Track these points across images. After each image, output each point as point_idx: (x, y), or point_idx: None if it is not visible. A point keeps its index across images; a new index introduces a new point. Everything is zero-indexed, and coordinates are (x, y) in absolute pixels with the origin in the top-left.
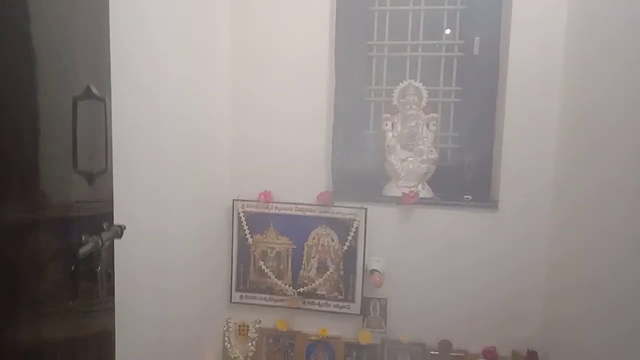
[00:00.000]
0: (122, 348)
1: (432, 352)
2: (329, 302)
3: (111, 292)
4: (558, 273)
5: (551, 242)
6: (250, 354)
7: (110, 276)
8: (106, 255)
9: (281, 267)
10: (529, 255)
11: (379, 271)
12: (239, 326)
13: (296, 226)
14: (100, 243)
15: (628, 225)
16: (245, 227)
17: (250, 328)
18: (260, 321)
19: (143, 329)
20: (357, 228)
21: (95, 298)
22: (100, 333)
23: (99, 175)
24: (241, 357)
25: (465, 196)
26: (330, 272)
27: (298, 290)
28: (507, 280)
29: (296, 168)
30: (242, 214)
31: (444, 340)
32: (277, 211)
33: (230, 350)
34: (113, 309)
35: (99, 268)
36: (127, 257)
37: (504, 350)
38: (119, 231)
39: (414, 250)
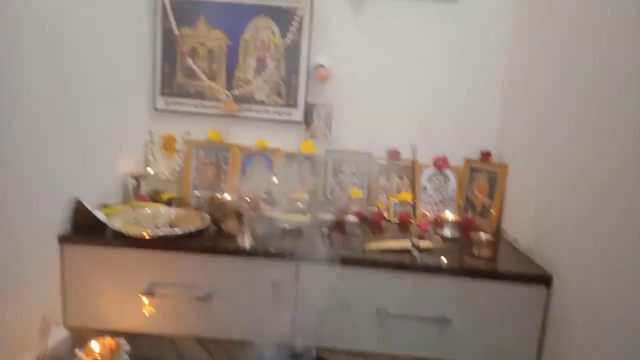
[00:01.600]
0: None
1: (379, 161)
2: (267, 109)
3: None
4: (517, 78)
5: (513, 45)
6: (177, 169)
7: None
8: None
9: (213, 66)
10: (488, 56)
11: (324, 66)
12: (164, 139)
13: (231, 17)
14: None
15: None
16: (172, 17)
17: (177, 139)
18: (189, 132)
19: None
20: (301, 19)
21: None
22: None
23: None
24: (166, 173)
25: None
26: (270, 72)
27: (233, 92)
28: (464, 86)
29: None
30: (167, 1)
31: (392, 150)
32: None
33: (153, 164)
34: None
35: None
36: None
37: (456, 160)
38: None
39: (365, 50)
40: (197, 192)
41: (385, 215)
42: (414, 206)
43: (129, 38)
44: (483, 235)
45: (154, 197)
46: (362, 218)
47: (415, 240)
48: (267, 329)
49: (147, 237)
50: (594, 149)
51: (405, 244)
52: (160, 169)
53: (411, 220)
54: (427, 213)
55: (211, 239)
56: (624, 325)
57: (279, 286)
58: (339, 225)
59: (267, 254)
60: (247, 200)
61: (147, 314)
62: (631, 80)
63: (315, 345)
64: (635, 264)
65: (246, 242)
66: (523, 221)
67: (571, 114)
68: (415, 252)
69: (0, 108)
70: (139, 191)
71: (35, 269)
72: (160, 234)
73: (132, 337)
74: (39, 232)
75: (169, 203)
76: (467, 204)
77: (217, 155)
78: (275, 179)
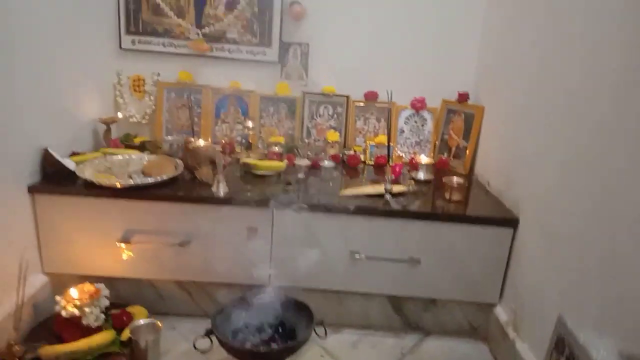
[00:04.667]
0: None
1: (357, 104)
2: (240, 48)
3: None
4: (496, 17)
5: None
6: (149, 112)
7: None
8: None
9: (181, 2)
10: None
11: (299, 2)
12: (133, 80)
13: None
14: None
15: None
16: None
17: (147, 81)
18: (159, 73)
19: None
20: None
21: None
22: None
23: None
24: (137, 116)
25: None
26: (242, 8)
27: (203, 30)
28: (443, 26)
29: None
30: None
31: (370, 92)
32: None
33: (124, 107)
34: None
35: None
36: None
37: (434, 102)
38: None
39: None
40: (169, 137)
41: (362, 158)
42: (389, 148)
43: None
44: (455, 179)
45: (126, 142)
46: (339, 161)
47: (388, 185)
48: (244, 273)
49: (119, 187)
50: (564, 93)
51: (378, 189)
52: (131, 111)
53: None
54: (402, 155)
55: (185, 187)
56: (576, 256)
57: (255, 231)
58: (315, 170)
59: (242, 202)
60: (222, 144)
61: (125, 259)
62: (602, 18)
63: (292, 285)
64: (589, 201)
65: (221, 190)
66: (495, 163)
67: (546, 57)
68: (388, 197)
69: None
70: (110, 136)
71: (7, 219)
72: (132, 183)
73: (111, 281)
74: (7, 183)
75: (141, 147)
76: (442, 145)
77: (190, 97)
78: (250, 123)
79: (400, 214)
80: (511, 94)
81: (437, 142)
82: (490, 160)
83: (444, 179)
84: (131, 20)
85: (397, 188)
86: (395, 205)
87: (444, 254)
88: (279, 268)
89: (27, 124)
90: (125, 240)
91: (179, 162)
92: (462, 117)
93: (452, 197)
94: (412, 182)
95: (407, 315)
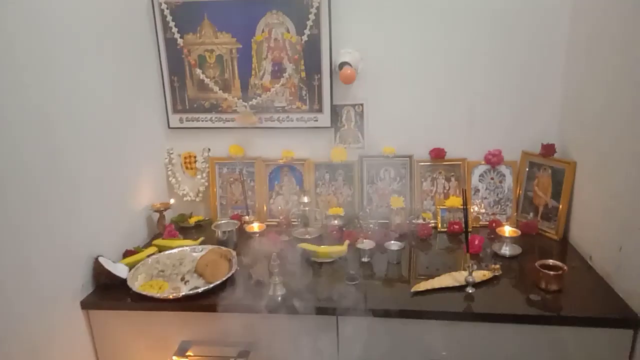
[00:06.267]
0: None
1: (421, 164)
2: (290, 116)
3: None
4: (580, 50)
5: (575, 10)
6: (202, 189)
7: None
8: None
9: (226, 75)
10: (542, 25)
11: (350, 64)
12: (184, 157)
13: (239, 16)
14: None
15: None
16: (172, 24)
17: (198, 158)
18: (209, 149)
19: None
20: (318, 9)
21: None
22: None
23: None
24: (191, 194)
25: None
26: (289, 75)
27: (250, 102)
28: (515, 65)
29: None
30: (164, 6)
31: (435, 149)
32: None
33: (177, 187)
34: None
35: None
36: None
37: (511, 155)
38: None
39: (394, 36)
40: (221, 222)
41: (432, 224)
42: (466, 225)
43: (131, 56)
44: (551, 263)
45: (181, 222)
46: (406, 235)
47: (470, 278)
48: None
49: (171, 298)
50: None
51: (458, 278)
52: (185, 190)
53: (463, 229)
54: (480, 217)
55: (241, 289)
56: None
57: (318, 341)
58: (380, 246)
59: (300, 308)
60: (279, 222)
61: None
62: None
63: None
64: None
65: (278, 292)
66: (597, 233)
67: None
68: (470, 290)
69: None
70: (163, 222)
71: (64, 338)
72: (182, 294)
73: None
74: (62, 298)
75: (197, 227)
76: (526, 204)
77: (242, 171)
78: (306, 198)
79: (488, 317)
80: (615, 144)
81: (519, 200)
82: (590, 228)
83: (538, 265)
84: (177, 98)
85: (479, 275)
86: (479, 301)
87: None
88: None
89: (84, 229)
90: (182, 354)
91: (234, 253)
92: (548, 172)
93: (548, 286)
94: (498, 267)
95: None
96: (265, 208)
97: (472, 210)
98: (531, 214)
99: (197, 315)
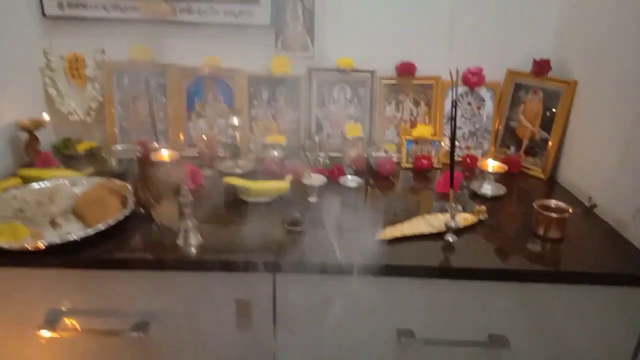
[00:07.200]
0: None
1: (385, 82)
2: (215, 7)
3: None
4: None
5: None
6: (94, 106)
7: None
8: None
9: None
10: None
11: None
12: (68, 61)
13: None
14: None
15: None
16: None
17: (88, 62)
18: (103, 50)
19: None
20: None
21: None
22: None
23: None
24: (80, 112)
25: None
26: None
27: None
28: None
29: None
30: None
31: (404, 63)
32: None
33: (59, 101)
34: None
35: None
36: None
37: (494, 74)
38: None
39: None
40: (119, 147)
41: (395, 159)
42: (452, 158)
43: None
44: (553, 204)
45: (65, 149)
46: (363, 171)
47: (452, 222)
48: None
49: (30, 249)
50: None
51: (435, 223)
52: (71, 106)
53: (433, 164)
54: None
55: (139, 237)
56: None
57: (247, 306)
58: (332, 185)
59: (225, 265)
60: (199, 150)
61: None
62: None
63: None
64: None
65: (190, 242)
66: (601, 171)
67: None
68: (450, 238)
69: None
70: (35, 147)
71: None
72: (46, 243)
73: None
74: None
75: (89, 157)
76: (507, 136)
77: (148, 82)
78: (235, 120)
79: (476, 274)
80: (622, 62)
81: (499, 132)
82: (591, 166)
83: (536, 205)
84: None
85: (461, 220)
86: (461, 252)
87: (546, 330)
88: None
89: None
90: (49, 325)
91: (130, 188)
92: (539, 95)
93: (548, 233)
94: (484, 209)
95: None
96: (181, 135)
97: (442, 144)
98: (512, 149)
99: (71, 274)
